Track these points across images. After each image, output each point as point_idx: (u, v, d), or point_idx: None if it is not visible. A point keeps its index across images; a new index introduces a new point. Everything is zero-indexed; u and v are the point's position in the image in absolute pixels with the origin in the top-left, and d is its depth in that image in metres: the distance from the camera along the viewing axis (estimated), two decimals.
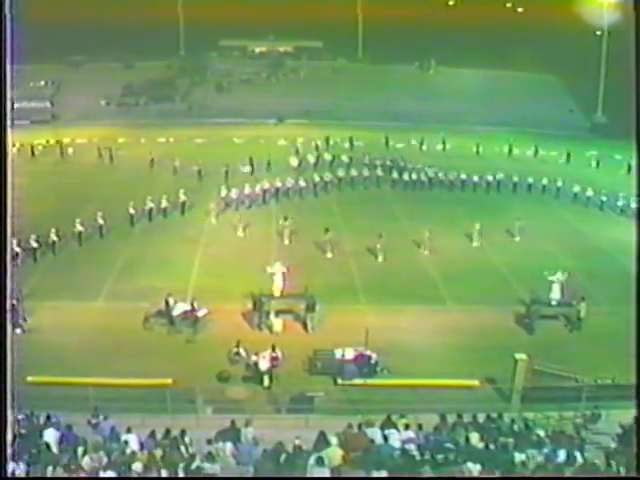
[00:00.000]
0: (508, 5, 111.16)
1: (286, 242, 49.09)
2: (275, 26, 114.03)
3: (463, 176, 61.65)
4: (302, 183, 61.18)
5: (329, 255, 47.25)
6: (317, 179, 62.29)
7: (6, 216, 17.35)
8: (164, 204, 55.00)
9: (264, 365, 32.27)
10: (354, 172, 64.34)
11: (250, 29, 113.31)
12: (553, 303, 38.33)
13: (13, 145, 72.64)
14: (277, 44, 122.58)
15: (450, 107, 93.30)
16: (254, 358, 32.95)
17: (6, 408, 16.90)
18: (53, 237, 47.62)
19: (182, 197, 56.05)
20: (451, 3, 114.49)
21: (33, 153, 75.54)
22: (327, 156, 70.02)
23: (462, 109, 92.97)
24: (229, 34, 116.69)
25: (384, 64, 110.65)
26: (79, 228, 49.54)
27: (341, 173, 64.01)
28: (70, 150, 75.77)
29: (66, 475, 20.40)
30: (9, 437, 17.41)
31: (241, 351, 34.81)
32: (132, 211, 53.15)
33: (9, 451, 22.58)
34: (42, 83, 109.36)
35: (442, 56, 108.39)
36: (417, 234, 48.76)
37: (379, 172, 65.06)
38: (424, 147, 76.58)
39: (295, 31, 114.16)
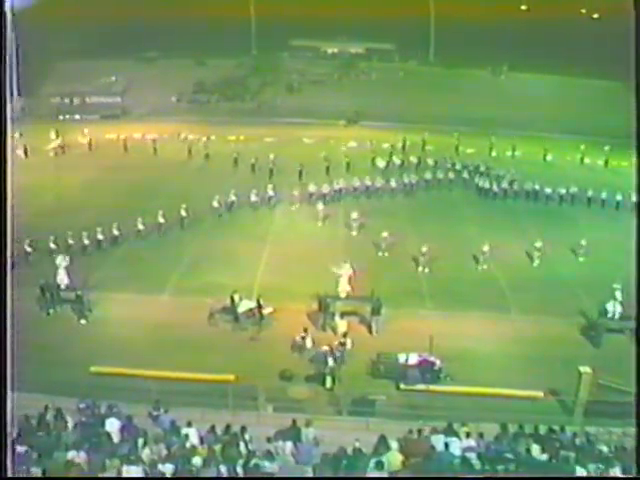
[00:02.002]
0: (583, 11, 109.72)
1: (355, 244, 49.07)
2: (347, 27, 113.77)
3: (536, 187, 60.64)
4: (377, 184, 61.40)
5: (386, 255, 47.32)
6: (390, 181, 62.28)
7: (6, 216, 17.53)
8: (233, 201, 55.50)
9: (331, 362, 32.55)
10: (425, 175, 64.05)
11: (322, 30, 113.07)
12: (620, 317, 37.83)
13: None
14: (349, 45, 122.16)
15: (521, 113, 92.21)
16: (325, 348, 33.25)
17: (6, 408, 17.10)
18: (117, 231, 48.64)
19: (253, 195, 56.62)
20: (524, 8, 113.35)
21: (91, 147, 76.61)
22: (397, 159, 69.76)
23: (533, 115, 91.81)
24: (301, 34, 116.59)
25: (455, 68, 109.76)
26: (159, 220, 50.71)
27: (412, 176, 63.73)
28: (140, 145, 76.65)
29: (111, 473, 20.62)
30: (12, 435, 17.59)
31: (307, 340, 35.17)
32: (204, 206, 53.78)
33: (71, 439, 23.10)
34: (113, 78, 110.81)
35: (514, 61, 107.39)
36: (484, 242, 48.48)
37: (451, 176, 64.76)
38: (493, 153, 75.96)
39: (367, 32, 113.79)
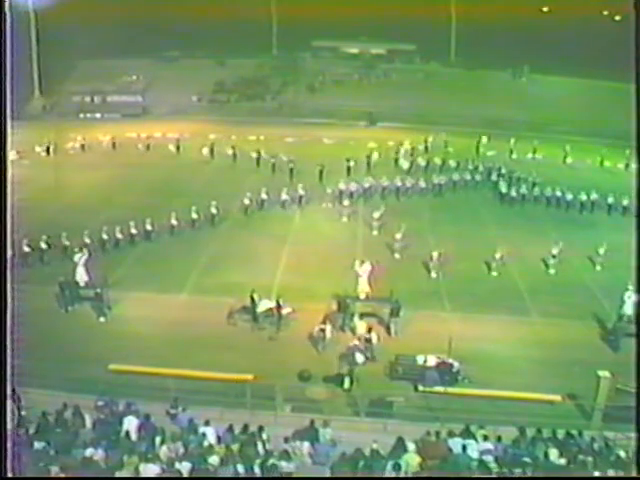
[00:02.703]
0: (605, 13, 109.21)
1: (375, 244, 48.91)
2: (368, 28, 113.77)
3: (558, 193, 60.09)
4: (399, 185, 61.45)
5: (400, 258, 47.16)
6: (413, 182, 62.29)
7: (6, 216, 17.56)
8: (253, 201, 55.48)
9: (360, 359, 32.58)
10: (447, 177, 63.92)
11: (343, 30, 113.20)
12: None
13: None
14: (370, 46, 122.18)
15: (541, 115, 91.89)
16: (355, 343, 33.40)
17: (6, 408, 17.12)
18: (142, 228, 48.73)
19: (271, 194, 56.67)
20: (545, 10, 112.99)
21: (114, 145, 76.92)
22: (422, 160, 69.80)
23: (553, 118, 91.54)
24: (322, 35, 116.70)
25: (476, 69, 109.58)
26: (173, 222, 50.70)
27: (435, 177, 63.68)
28: (161, 144, 76.82)
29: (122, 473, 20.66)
30: (10, 434, 17.60)
31: (327, 330, 35.22)
32: (226, 206, 53.96)
33: (89, 436, 23.19)
34: (134, 77, 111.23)
35: (535, 63, 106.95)
36: (497, 249, 48.35)
37: (473, 178, 64.66)
38: (514, 155, 75.71)
39: (388, 33, 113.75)
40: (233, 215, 53.97)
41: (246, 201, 55.16)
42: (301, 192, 57.70)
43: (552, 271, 45.72)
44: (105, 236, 46.91)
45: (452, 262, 46.07)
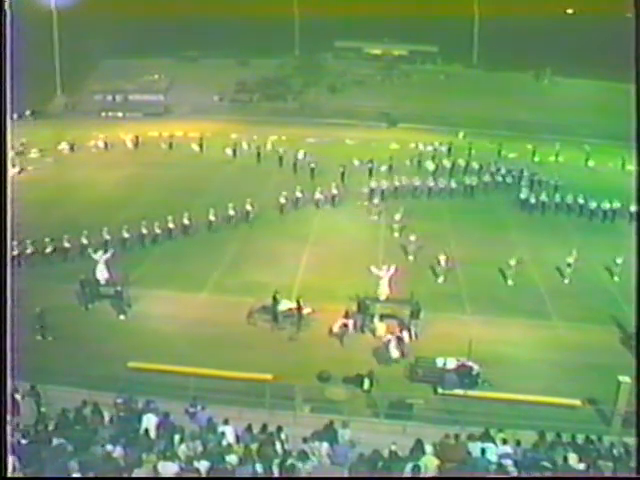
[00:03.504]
0: (629, 15, 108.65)
1: (394, 247, 48.78)
2: (390, 29, 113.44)
3: (580, 200, 59.13)
4: (422, 187, 61.73)
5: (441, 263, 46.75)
6: (438, 183, 62.34)
7: (6, 217, 17.57)
8: (274, 201, 55.31)
9: (395, 354, 32.75)
10: (469, 179, 63.65)
11: (365, 31, 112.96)
12: None
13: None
14: (392, 47, 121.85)
15: (563, 118, 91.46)
16: (389, 337, 33.83)
17: (6, 408, 17.13)
18: (163, 227, 48.84)
19: (295, 194, 56.81)
20: (570, 11, 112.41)
21: (137, 144, 77.22)
22: (447, 162, 69.60)
23: (575, 121, 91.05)
24: (344, 35, 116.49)
25: (498, 71, 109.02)
26: (194, 221, 50.83)
27: (457, 179, 63.61)
28: (182, 143, 77.01)
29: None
30: (10, 438, 17.64)
31: (350, 325, 35.20)
32: (248, 207, 53.76)
33: (108, 433, 23.24)
34: (156, 76, 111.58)
35: (558, 66, 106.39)
36: (525, 249, 48.09)
37: (494, 180, 64.43)
38: (536, 158, 75.37)
39: (410, 35, 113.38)
40: (255, 215, 53.73)
41: (270, 202, 55.19)
42: (334, 191, 58.22)
43: (566, 280, 44.88)
44: (126, 234, 47.04)
45: (462, 266, 46.17)
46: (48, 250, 44.85)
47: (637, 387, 17.55)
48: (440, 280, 44.29)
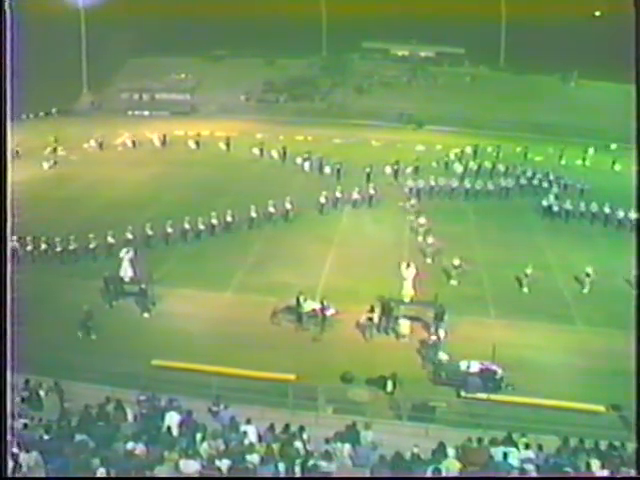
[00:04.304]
0: None
1: (419, 248, 48.55)
2: (418, 30, 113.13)
3: (607, 210, 58.34)
4: (447, 189, 61.93)
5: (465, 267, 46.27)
6: (463, 186, 62.44)
7: (6, 216, 17.62)
8: (300, 202, 55.17)
9: (444, 357, 32.79)
10: (496, 182, 63.54)
11: (392, 32, 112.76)
12: None
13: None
14: (419, 48, 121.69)
15: (590, 121, 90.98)
16: (433, 338, 34.01)
17: (6, 408, 17.17)
18: (188, 226, 48.92)
19: (321, 196, 56.60)
20: (597, 14, 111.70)
21: (165, 142, 77.59)
22: (473, 165, 69.54)
23: (602, 124, 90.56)
24: (371, 36, 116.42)
25: (525, 74, 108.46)
26: (219, 220, 50.89)
27: (480, 182, 63.29)
28: (209, 142, 77.27)
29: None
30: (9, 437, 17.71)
31: (375, 317, 35.46)
32: (287, 206, 54.22)
33: (130, 430, 23.32)
34: (182, 75, 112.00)
35: (585, 69, 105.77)
36: (551, 252, 47.81)
37: (518, 183, 64.02)
38: (562, 161, 75.05)
39: (437, 36, 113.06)
40: (283, 215, 53.85)
41: (297, 202, 55.01)
42: (371, 192, 58.45)
43: (585, 290, 44.07)
44: (150, 232, 47.16)
45: (486, 269, 46.09)
46: (72, 247, 45.14)
47: (637, 388, 17.45)
48: (454, 282, 43.98)
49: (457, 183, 62.67)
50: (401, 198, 59.00)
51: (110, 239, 45.62)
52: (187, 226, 49.03)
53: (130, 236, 45.95)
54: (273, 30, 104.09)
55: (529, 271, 43.12)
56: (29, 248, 44.67)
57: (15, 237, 44.30)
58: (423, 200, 59.33)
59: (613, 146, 75.81)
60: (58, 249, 44.93)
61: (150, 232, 47.24)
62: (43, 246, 44.81)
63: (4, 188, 17.48)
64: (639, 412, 19.05)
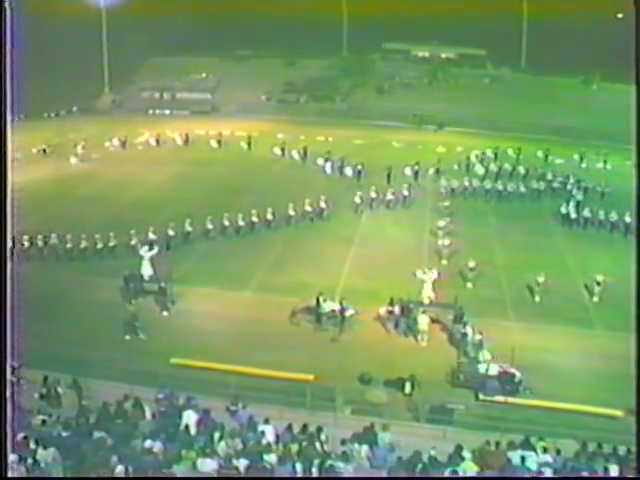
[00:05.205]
0: None
1: (439, 250, 48.25)
2: (439, 31, 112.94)
3: (627, 219, 57.25)
4: (468, 191, 62.06)
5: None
6: (483, 188, 62.60)
7: (6, 216, 17.66)
8: (321, 204, 54.92)
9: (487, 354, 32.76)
10: (516, 184, 63.30)
11: (413, 33, 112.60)
12: None
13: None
14: (440, 50, 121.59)
15: (612, 124, 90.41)
16: (478, 337, 33.73)
17: (6, 408, 17.21)
18: (204, 226, 49.05)
19: (340, 197, 56.66)
20: (620, 16, 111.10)
21: (187, 141, 77.84)
22: (494, 167, 69.30)
23: (623, 127, 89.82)
24: (392, 37, 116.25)
25: (547, 76, 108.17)
26: (239, 220, 50.77)
27: (500, 184, 63.18)
28: (229, 141, 77.42)
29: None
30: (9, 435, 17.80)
31: (396, 309, 35.99)
32: (322, 205, 54.73)
33: (148, 428, 23.40)
34: (203, 75, 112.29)
35: (607, 71, 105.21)
36: (570, 256, 47.58)
37: (538, 186, 63.71)
38: (583, 164, 74.73)
39: (459, 38, 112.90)
40: (303, 215, 53.88)
41: (318, 203, 54.91)
42: (405, 192, 58.60)
43: (595, 299, 43.08)
44: (171, 232, 47.21)
45: (505, 271, 45.91)
46: (98, 245, 45.39)
47: (637, 390, 17.40)
48: (470, 285, 43.75)
49: (478, 185, 62.61)
50: (435, 199, 59.01)
51: (131, 238, 45.70)
52: (208, 225, 49.04)
53: (151, 235, 45.97)
54: (294, 31, 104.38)
55: (541, 279, 42.44)
56: (52, 244, 44.97)
57: (40, 236, 44.66)
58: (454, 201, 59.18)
59: (634, 154, 75.07)
60: (83, 246, 45.14)
61: (171, 231, 47.24)
62: (69, 244, 45.04)
63: (4, 188, 17.55)
64: (639, 413, 18.95)
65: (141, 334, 35.47)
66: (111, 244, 45.50)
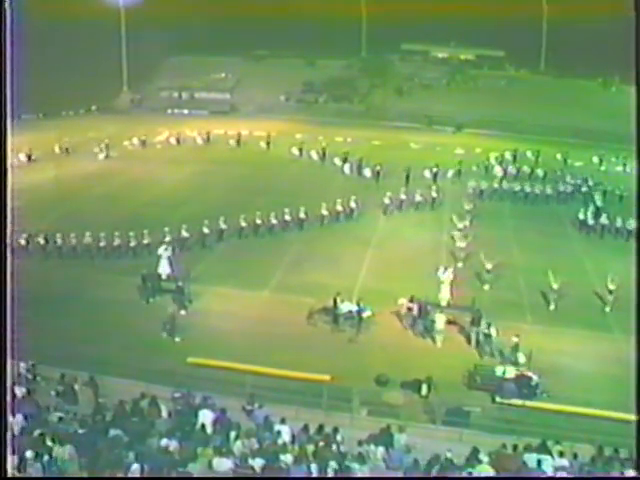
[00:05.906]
0: None
1: (456, 252, 48.02)
2: (458, 33, 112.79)
3: None
4: (487, 193, 62.03)
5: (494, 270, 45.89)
6: (502, 190, 62.64)
7: (6, 215, 17.68)
8: (338, 205, 54.66)
9: (522, 359, 32.59)
10: (535, 186, 63.07)
11: (433, 34, 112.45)
12: None
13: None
14: (459, 51, 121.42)
15: (631, 127, 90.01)
16: (515, 340, 33.63)
17: (6, 408, 17.22)
18: (222, 225, 48.89)
19: (357, 197, 56.27)
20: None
21: (208, 140, 78.20)
22: (513, 169, 69.13)
23: None
24: (411, 38, 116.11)
25: (566, 78, 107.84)
26: (257, 220, 50.73)
27: (521, 186, 63.02)
28: (248, 141, 77.53)
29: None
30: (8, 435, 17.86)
31: (414, 307, 36.00)
32: (352, 205, 54.88)
33: (164, 426, 23.46)
34: (222, 75, 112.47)
35: (626, 74, 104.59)
36: (588, 259, 47.33)
37: (557, 188, 63.34)
38: (602, 167, 74.41)
39: (478, 39, 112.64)
40: (320, 216, 53.66)
41: (335, 205, 54.64)
42: (434, 194, 58.79)
43: (607, 309, 42.37)
44: (189, 231, 47.17)
45: (524, 274, 45.70)
46: (116, 244, 45.52)
47: (637, 390, 17.33)
48: (486, 287, 43.52)
49: (497, 187, 62.52)
50: (457, 201, 58.65)
51: (149, 236, 45.81)
52: (225, 225, 48.93)
53: (169, 234, 46.00)
54: (313, 31, 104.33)
55: (555, 286, 41.89)
56: (69, 242, 45.10)
57: (59, 234, 44.79)
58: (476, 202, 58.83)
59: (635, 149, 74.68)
60: (101, 244, 45.25)
61: (187, 232, 47.21)
62: (86, 241, 45.16)
63: (4, 189, 17.60)
64: (639, 413, 18.86)
65: (177, 336, 35.44)
66: (130, 243, 45.53)
